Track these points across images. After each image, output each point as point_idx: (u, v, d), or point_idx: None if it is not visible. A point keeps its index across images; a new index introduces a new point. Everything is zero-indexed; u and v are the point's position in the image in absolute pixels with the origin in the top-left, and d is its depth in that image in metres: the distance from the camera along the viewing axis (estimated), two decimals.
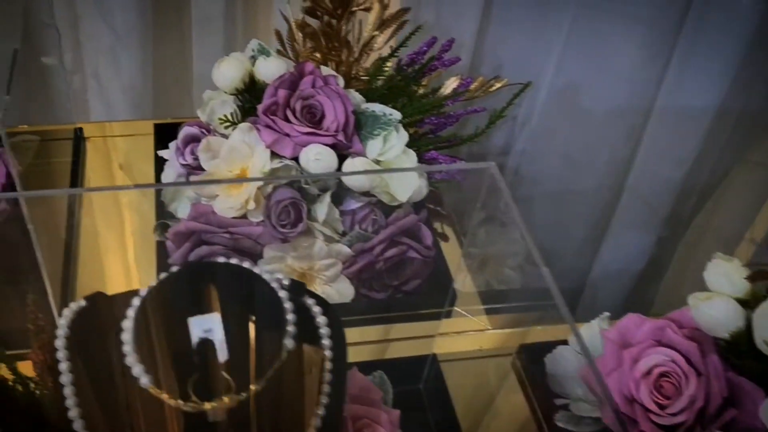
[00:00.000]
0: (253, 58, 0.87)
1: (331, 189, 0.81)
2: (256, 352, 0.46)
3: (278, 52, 0.89)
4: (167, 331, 0.46)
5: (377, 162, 0.82)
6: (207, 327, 0.46)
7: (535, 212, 1.11)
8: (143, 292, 0.48)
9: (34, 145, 0.91)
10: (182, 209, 0.86)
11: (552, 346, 0.76)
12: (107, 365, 0.47)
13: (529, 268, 0.87)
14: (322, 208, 0.80)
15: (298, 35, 0.90)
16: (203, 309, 0.47)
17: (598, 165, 1.07)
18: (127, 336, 0.46)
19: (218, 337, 0.46)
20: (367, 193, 0.82)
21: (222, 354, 0.46)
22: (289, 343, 0.46)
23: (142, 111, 1.32)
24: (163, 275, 0.48)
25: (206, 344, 0.46)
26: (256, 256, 0.81)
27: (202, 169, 0.82)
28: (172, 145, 0.85)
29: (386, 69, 0.87)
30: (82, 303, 0.52)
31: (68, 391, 0.47)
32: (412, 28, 0.88)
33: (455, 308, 0.80)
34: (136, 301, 0.47)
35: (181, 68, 1.26)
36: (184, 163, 0.83)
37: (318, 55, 0.88)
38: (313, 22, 0.88)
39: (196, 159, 0.82)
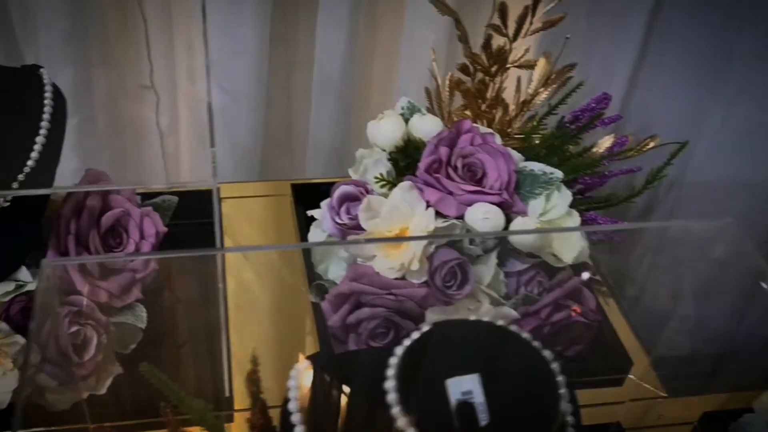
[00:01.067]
0: (402, 116, 0.85)
1: (496, 249, 0.78)
2: (521, 417, 0.42)
3: (427, 110, 0.88)
4: (428, 389, 0.43)
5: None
6: (466, 389, 0.43)
7: None
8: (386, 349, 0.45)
9: (172, 205, 0.90)
10: (333, 270, 0.83)
11: (737, 413, 0.72)
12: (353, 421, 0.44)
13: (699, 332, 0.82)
14: (488, 269, 0.77)
15: (445, 93, 0.88)
16: (462, 369, 0.43)
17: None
18: (391, 390, 0.42)
19: (478, 399, 0.43)
20: (530, 255, 0.79)
21: (483, 417, 0.42)
22: (565, 408, 0.42)
23: (250, 172, 1.31)
24: (415, 334, 0.45)
25: (466, 407, 0.43)
26: (416, 319, 0.78)
27: (359, 229, 0.79)
28: (325, 204, 0.83)
29: (543, 127, 0.84)
30: (306, 363, 0.49)
31: None
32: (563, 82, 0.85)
33: (630, 376, 0.76)
34: (393, 360, 0.44)
35: (296, 129, 1.25)
36: (340, 222, 0.80)
37: (469, 113, 0.86)
38: (465, 79, 0.86)
39: (352, 218, 0.80)
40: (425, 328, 0.47)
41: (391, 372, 0.44)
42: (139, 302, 0.80)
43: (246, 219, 0.95)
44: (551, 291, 0.78)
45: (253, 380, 0.48)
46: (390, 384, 0.43)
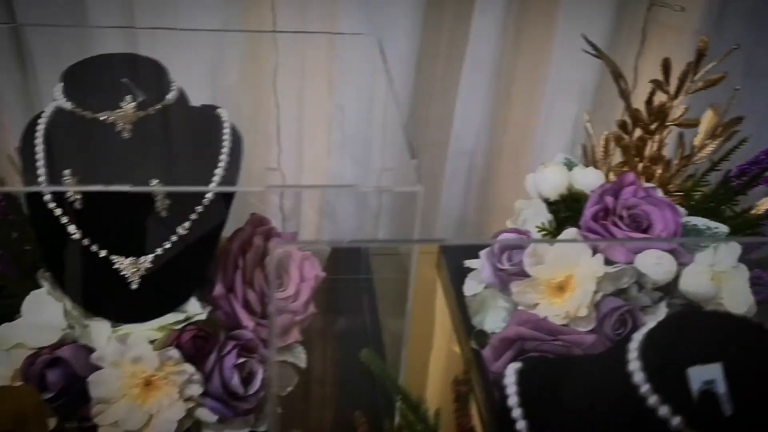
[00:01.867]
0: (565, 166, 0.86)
1: (665, 299, 0.76)
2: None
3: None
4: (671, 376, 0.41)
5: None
6: (709, 378, 0.41)
7: None
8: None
9: (325, 255, 0.91)
10: (490, 320, 0.82)
11: None
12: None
13: None
14: (657, 319, 0.74)
15: (599, 150, 0.89)
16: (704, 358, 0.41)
17: None
18: (636, 370, 0.41)
19: (721, 389, 0.40)
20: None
21: (726, 408, 0.40)
22: None
23: None
24: (652, 322, 0.44)
25: (708, 396, 0.40)
26: None
27: (520, 275, 0.78)
28: (483, 253, 0.83)
29: (705, 183, 0.83)
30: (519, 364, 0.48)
31: None
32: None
33: None
34: (633, 345, 0.42)
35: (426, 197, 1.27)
36: (502, 268, 0.80)
37: (626, 169, 0.86)
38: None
39: (514, 265, 0.79)
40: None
41: (633, 354, 0.42)
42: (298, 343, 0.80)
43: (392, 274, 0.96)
44: None
45: (464, 381, 0.47)
46: (634, 365, 0.41)
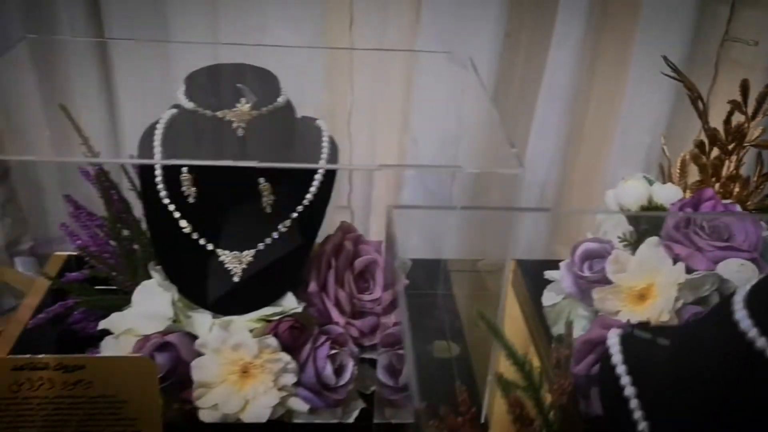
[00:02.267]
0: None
1: None
2: None
3: None
4: None
5: None
6: None
7: None
8: None
9: (407, 267, 0.95)
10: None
11: None
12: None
13: None
14: None
15: (676, 170, 0.92)
16: None
17: None
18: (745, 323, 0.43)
19: None
20: None
21: None
22: None
23: None
24: None
25: None
26: None
27: (602, 282, 0.81)
28: (564, 264, 0.86)
29: None
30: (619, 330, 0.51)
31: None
32: None
33: None
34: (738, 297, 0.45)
35: None
36: (582, 275, 0.82)
37: (704, 186, 0.89)
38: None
39: (595, 273, 0.82)
40: None
41: (738, 305, 0.45)
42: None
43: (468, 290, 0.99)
44: None
45: (566, 344, 0.50)
46: (740, 314, 0.44)
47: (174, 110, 0.80)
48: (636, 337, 0.55)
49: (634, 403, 0.51)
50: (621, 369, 0.52)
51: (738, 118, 0.86)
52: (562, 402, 0.53)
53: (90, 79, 1.09)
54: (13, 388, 0.67)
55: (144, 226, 0.83)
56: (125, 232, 0.85)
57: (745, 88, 0.84)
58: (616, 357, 0.53)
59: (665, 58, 0.88)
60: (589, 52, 1.11)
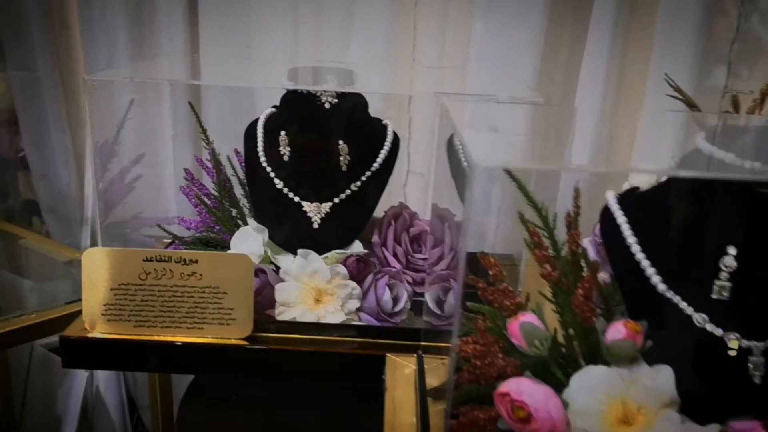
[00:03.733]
0: None
1: None
2: None
3: None
4: None
5: None
6: None
7: None
8: None
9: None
10: None
11: None
12: None
13: None
14: None
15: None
16: None
17: None
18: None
19: None
20: None
21: None
22: None
23: None
24: None
25: None
26: None
27: None
28: (587, 240, 1.03)
29: None
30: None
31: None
32: None
33: None
34: None
35: None
36: (599, 241, 0.99)
37: None
38: None
39: None
40: None
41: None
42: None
43: None
44: None
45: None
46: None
47: (272, 109, 1.04)
48: (630, 196, 0.70)
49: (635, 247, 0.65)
50: (622, 221, 0.67)
51: None
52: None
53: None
54: (141, 276, 0.87)
55: (239, 194, 1.05)
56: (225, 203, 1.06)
57: (735, 101, 1.03)
58: (617, 211, 0.68)
59: (667, 76, 1.08)
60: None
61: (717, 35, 1.27)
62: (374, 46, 1.30)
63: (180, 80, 1.35)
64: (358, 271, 0.95)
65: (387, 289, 0.95)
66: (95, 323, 0.87)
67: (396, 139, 1.04)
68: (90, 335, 0.87)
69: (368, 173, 1.00)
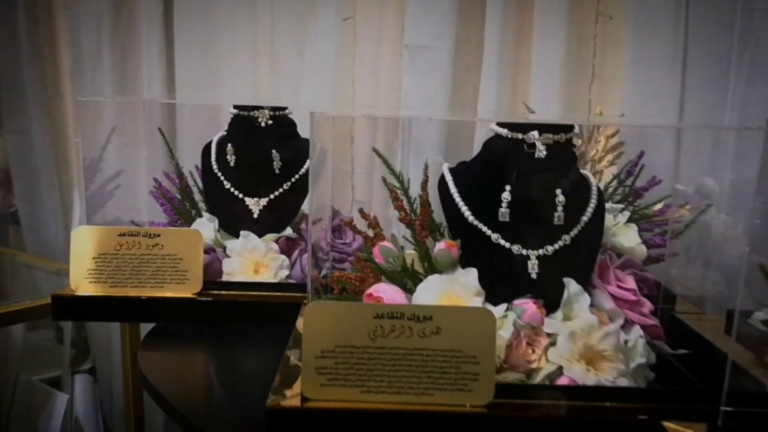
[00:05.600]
0: None
1: None
2: None
3: None
4: None
5: None
6: None
7: None
8: None
9: None
10: None
11: None
12: None
13: None
14: None
15: None
16: None
17: None
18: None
19: None
20: None
21: None
22: None
23: None
24: None
25: None
26: None
27: None
28: None
29: None
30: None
31: None
32: None
33: None
34: None
35: None
36: None
37: None
38: None
39: None
40: None
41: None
42: None
43: None
44: None
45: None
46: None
47: (223, 132, 1.32)
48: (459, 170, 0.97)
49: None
50: (454, 189, 0.93)
51: None
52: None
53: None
54: (116, 247, 1.13)
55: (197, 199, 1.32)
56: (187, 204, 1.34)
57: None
58: (447, 173, 0.95)
59: (525, 105, 1.38)
60: None
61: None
62: (322, 89, 1.61)
63: (154, 99, 1.64)
64: (288, 248, 1.22)
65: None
66: (79, 285, 1.13)
67: (321, 155, 1.32)
68: (75, 294, 1.13)
69: (297, 176, 1.28)
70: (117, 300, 1.13)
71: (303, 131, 1.32)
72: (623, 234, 1.19)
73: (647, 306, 0.88)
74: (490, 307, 0.84)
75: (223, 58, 1.68)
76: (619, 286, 0.87)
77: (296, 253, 1.22)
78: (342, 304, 0.87)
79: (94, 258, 1.13)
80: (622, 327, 0.84)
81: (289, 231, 1.25)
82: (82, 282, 1.13)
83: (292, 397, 0.77)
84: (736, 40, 1.32)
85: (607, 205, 1.12)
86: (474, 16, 1.56)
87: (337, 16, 1.64)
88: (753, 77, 1.31)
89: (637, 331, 0.84)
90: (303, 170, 1.28)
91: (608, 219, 1.15)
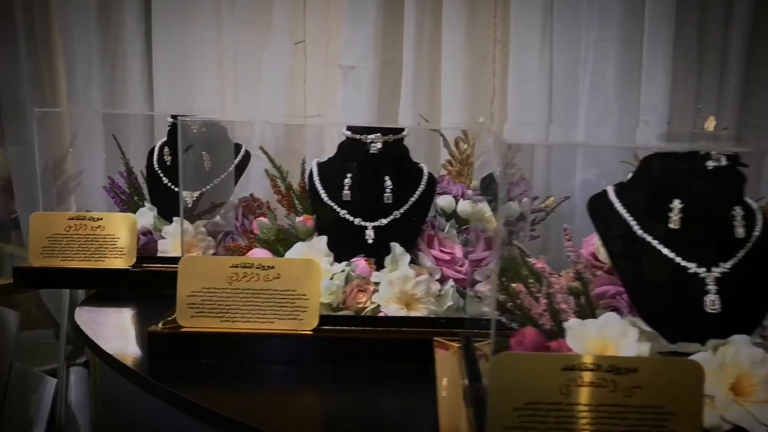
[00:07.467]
0: None
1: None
2: None
3: None
4: None
5: None
6: None
7: None
8: None
9: None
10: None
11: None
12: None
13: None
14: None
15: None
16: None
17: None
18: None
19: None
20: None
21: None
22: None
23: None
24: None
25: None
26: None
27: None
28: None
29: None
30: None
31: None
32: None
33: None
34: None
35: None
36: None
37: None
38: None
39: None
40: None
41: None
42: None
43: None
44: None
45: None
46: None
47: (164, 139, 1.57)
48: None
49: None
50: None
51: None
52: None
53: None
54: (65, 228, 1.38)
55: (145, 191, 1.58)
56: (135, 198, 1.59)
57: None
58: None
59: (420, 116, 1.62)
60: None
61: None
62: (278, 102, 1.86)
63: (109, 111, 1.89)
64: (215, 231, 1.47)
65: (231, 241, 1.46)
66: (36, 260, 1.38)
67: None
68: (33, 266, 1.38)
69: (219, 179, 1.53)
70: (67, 271, 1.37)
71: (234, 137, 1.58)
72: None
73: (464, 265, 1.11)
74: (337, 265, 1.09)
75: (195, 73, 1.93)
76: (442, 251, 1.10)
77: (220, 235, 1.47)
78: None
79: (47, 237, 1.38)
80: (440, 280, 1.08)
81: (218, 218, 1.50)
82: (38, 257, 1.38)
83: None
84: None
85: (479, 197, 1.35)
86: (394, 40, 1.81)
87: (291, 40, 1.90)
88: None
89: (449, 283, 1.08)
90: (231, 168, 1.53)
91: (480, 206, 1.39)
